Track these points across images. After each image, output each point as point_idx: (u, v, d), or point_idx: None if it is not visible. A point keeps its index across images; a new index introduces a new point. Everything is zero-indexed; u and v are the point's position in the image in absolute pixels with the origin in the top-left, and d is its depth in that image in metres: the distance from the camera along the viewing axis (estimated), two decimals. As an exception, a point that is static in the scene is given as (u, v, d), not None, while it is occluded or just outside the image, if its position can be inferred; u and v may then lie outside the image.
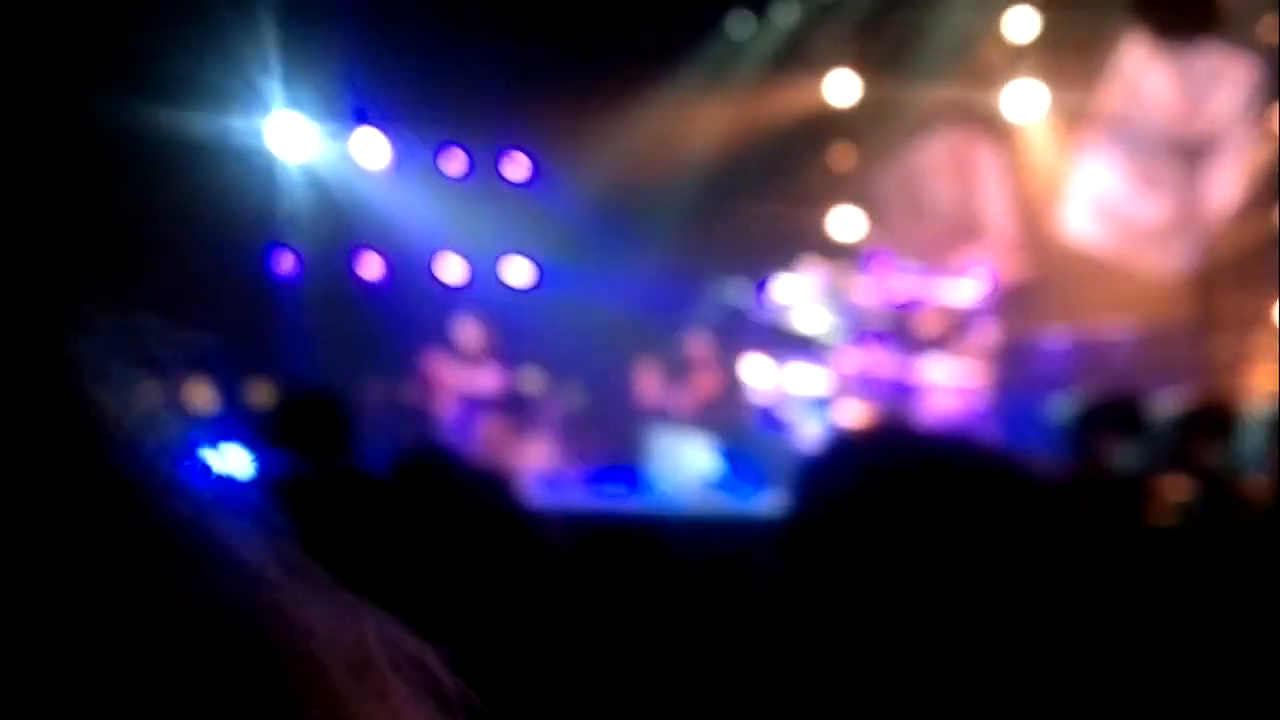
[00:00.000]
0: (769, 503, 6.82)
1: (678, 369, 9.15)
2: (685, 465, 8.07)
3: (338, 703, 0.38)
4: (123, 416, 0.41)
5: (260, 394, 7.84)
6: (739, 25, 9.95)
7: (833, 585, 1.07)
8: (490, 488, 3.08)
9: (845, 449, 1.30)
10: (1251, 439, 5.26)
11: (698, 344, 9.11)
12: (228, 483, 0.43)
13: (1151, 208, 8.96)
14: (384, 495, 2.96)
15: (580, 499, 7.51)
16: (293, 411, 4.29)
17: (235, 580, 0.38)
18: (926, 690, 1.03)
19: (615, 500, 7.67)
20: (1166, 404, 5.72)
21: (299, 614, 0.38)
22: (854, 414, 8.39)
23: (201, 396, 8.07)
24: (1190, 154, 8.77)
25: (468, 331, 9.04)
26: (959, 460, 1.14)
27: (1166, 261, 8.82)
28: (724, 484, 7.86)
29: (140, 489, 0.39)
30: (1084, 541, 1.14)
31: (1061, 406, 6.12)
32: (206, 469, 0.44)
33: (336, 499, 2.64)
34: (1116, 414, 5.43)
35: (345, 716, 0.38)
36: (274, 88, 8.69)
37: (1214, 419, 5.35)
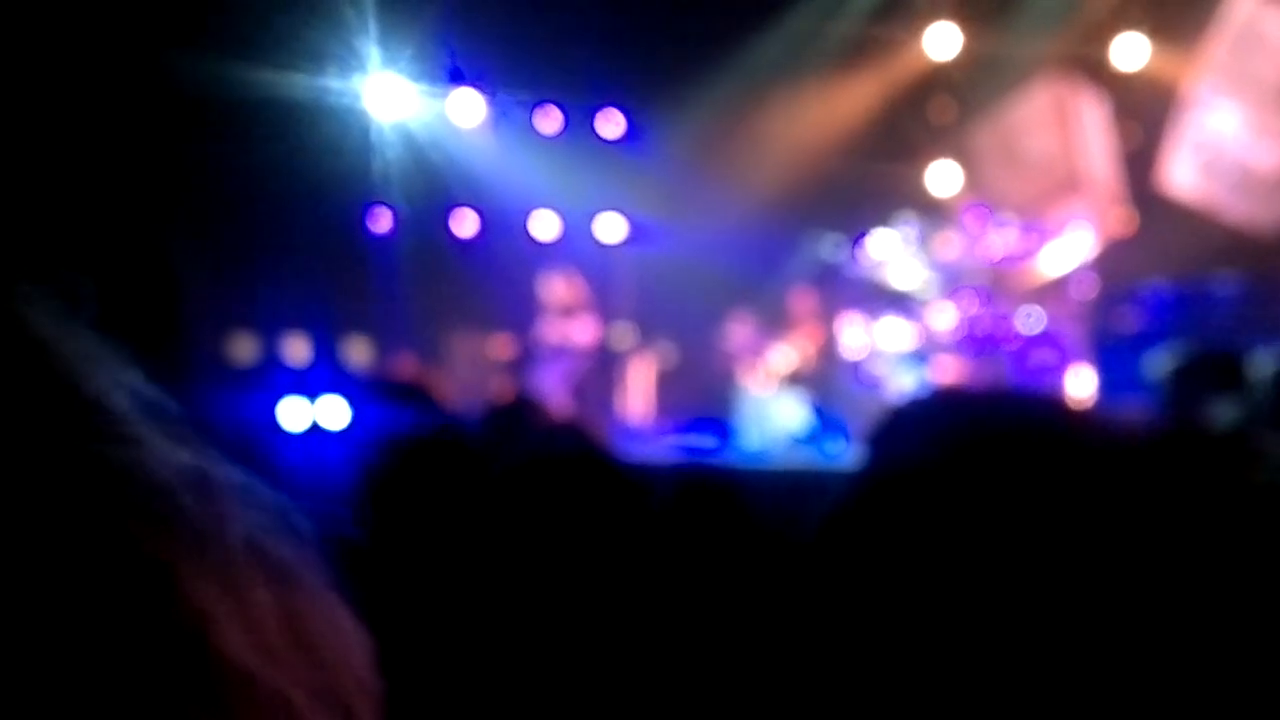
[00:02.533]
0: (854, 458, 6.79)
1: (771, 324, 9.14)
2: (775, 420, 8.07)
3: (183, 516, 0.43)
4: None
5: (358, 349, 7.99)
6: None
7: (893, 545, 1.07)
8: (578, 440, 3.13)
9: (921, 408, 1.29)
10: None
11: (800, 298, 9.08)
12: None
13: (1262, 158, 8.74)
14: (476, 446, 3.02)
15: (668, 452, 7.56)
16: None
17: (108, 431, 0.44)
18: (986, 664, 1.03)
19: (703, 454, 7.70)
20: (1267, 359, 5.60)
21: (155, 455, 0.44)
22: (948, 370, 8.33)
23: (300, 350, 8.24)
24: (1301, 102, 8.54)
25: (557, 286, 9.11)
26: (1037, 424, 1.12)
27: (1273, 213, 8.61)
28: (812, 439, 7.86)
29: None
30: (1176, 501, 1.12)
31: (1160, 361, 6.01)
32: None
33: (432, 450, 2.71)
34: (1216, 369, 5.33)
35: (196, 530, 0.43)
36: (371, 49, 8.78)
37: (1316, 375, 5.21)
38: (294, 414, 6.31)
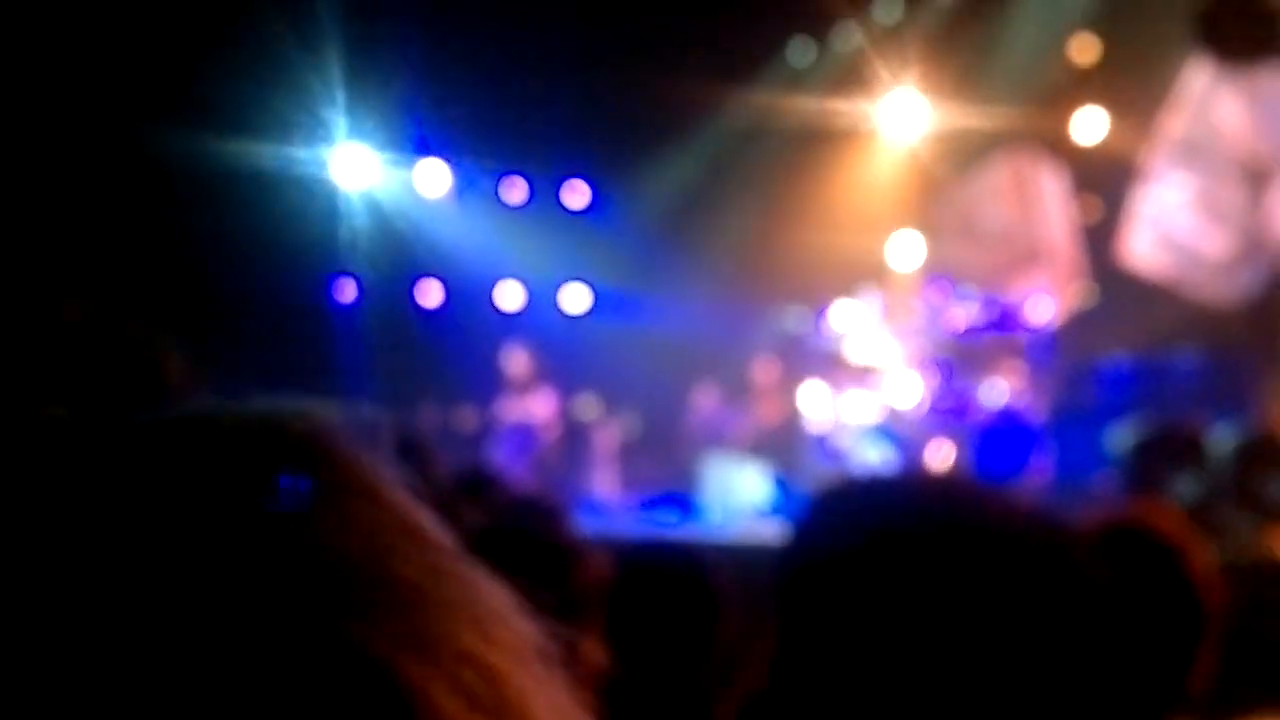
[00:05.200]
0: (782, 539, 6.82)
1: (735, 396, 9.15)
2: (739, 493, 8.05)
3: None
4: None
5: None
6: (799, 52, 9.96)
7: (818, 630, 1.07)
8: (538, 514, 3.11)
9: (843, 496, 1.28)
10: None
11: (763, 369, 9.10)
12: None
13: (1217, 234, 8.83)
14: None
15: (631, 526, 7.52)
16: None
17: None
18: None
19: (666, 528, 7.66)
20: (1226, 434, 5.64)
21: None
22: (912, 443, 8.35)
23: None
24: (1256, 179, 8.65)
25: (516, 359, 9.10)
26: (956, 516, 1.12)
27: (1231, 289, 8.69)
28: (775, 511, 7.84)
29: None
30: (1112, 600, 1.11)
31: (1120, 435, 6.05)
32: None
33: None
34: (1175, 443, 5.36)
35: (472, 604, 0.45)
36: (338, 118, 8.81)
37: (1276, 450, 5.25)
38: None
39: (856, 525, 1.12)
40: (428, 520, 0.47)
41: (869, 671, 1.04)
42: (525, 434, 9.02)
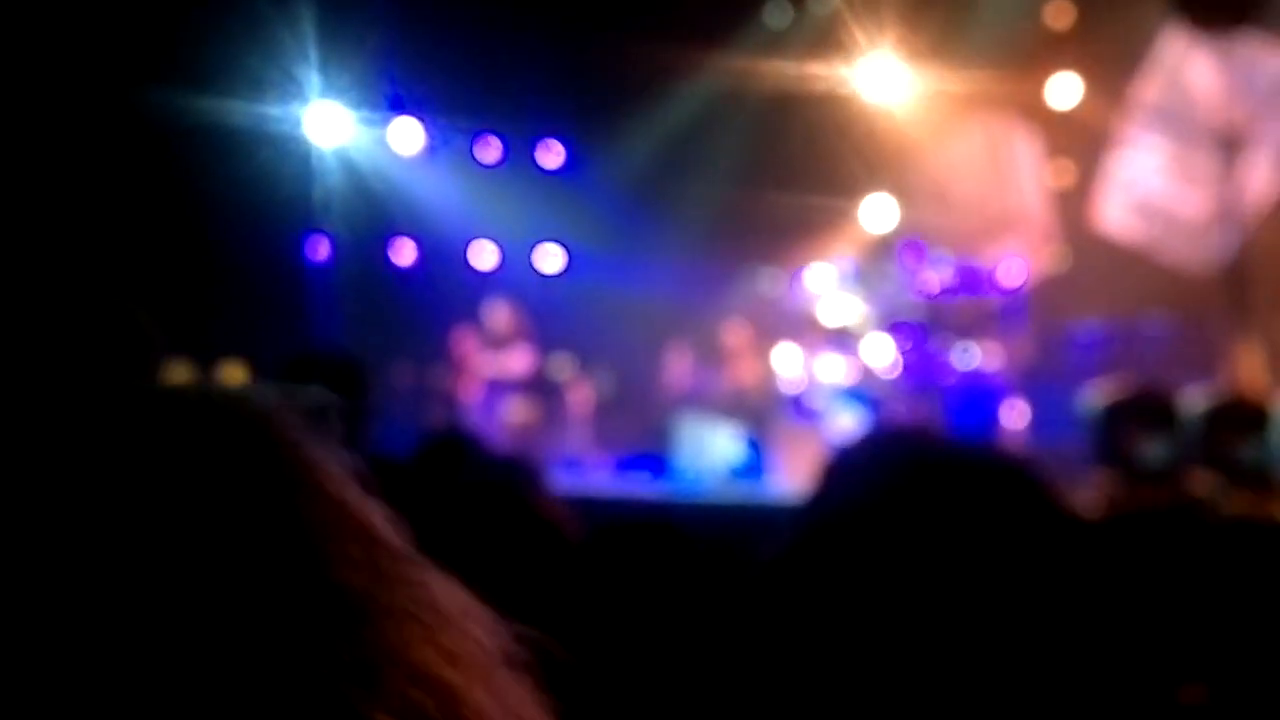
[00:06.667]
0: (782, 491, 6.93)
1: (709, 356, 9.17)
2: (711, 453, 8.08)
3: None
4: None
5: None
6: (777, 14, 9.92)
7: (838, 582, 1.08)
8: (511, 473, 3.11)
9: (865, 449, 1.30)
10: (1283, 435, 5.20)
11: (733, 332, 9.12)
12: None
13: (1189, 200, 8.88)
14: (405, 478, 2.99)
15: (605, 485, 7.55)
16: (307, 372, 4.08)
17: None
18: (923, 692, 1.03)
19: (639, 487, 7.70)
20: (1197, 397, 5.67)
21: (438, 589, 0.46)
22: (886, 405, 8.39)
23: (237, 378, 8.15)
24: (1228, 145, 8.68)
25: (498, 314, 9.10)
26: (978, 468, 1.14)
27: (1202, 254, 8.75)
28: (744, 472, 7.89)
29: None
30: (1102, 549, 1.13)
31: (1091, 398, 6.08)
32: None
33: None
34: (1146, 407, 5.38)
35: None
36: (312, 76, 8.74)
37: (1245, 414, 5.29)
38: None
39: (880, 480, 1.14)
40: (376, 516, 0.45)
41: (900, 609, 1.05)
42: (500, 391, 9.03)
